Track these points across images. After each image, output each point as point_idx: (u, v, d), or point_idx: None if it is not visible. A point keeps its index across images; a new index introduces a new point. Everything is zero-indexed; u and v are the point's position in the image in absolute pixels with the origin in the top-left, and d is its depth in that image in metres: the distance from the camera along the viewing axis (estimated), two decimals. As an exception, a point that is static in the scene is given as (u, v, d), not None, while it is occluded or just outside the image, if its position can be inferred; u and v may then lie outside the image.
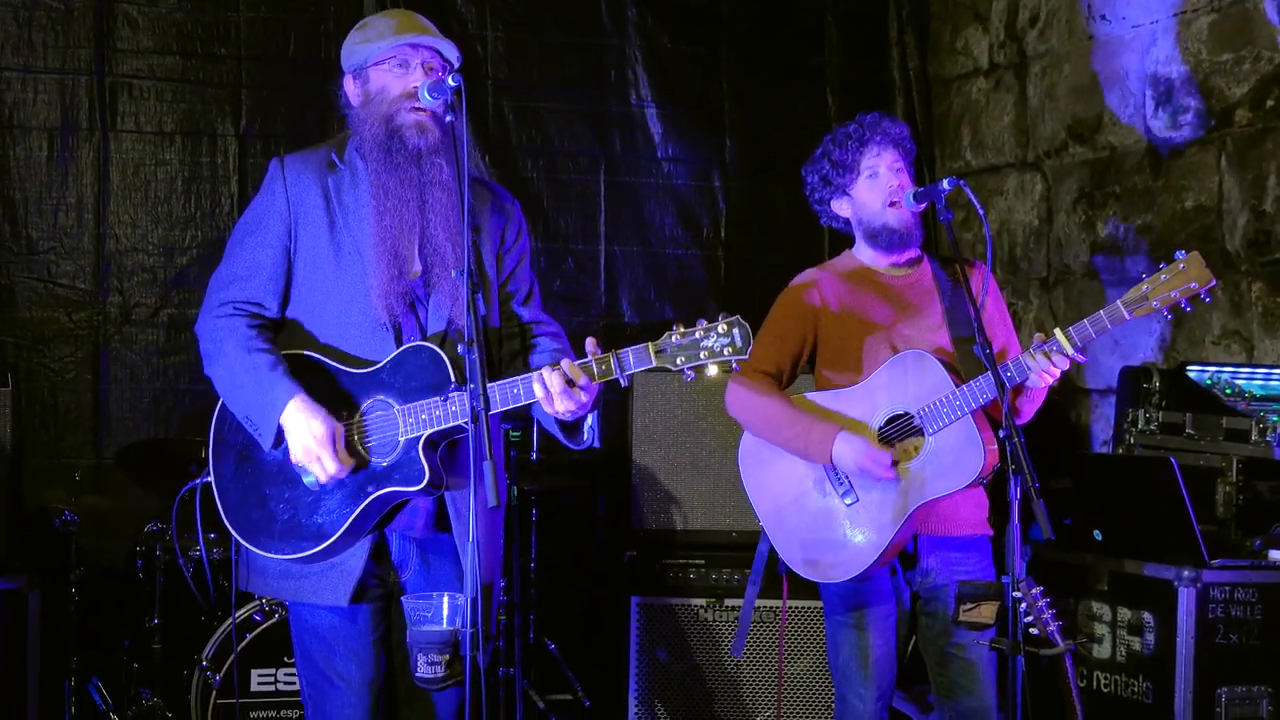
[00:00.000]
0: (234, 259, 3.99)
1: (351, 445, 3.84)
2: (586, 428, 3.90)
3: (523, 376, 3.74)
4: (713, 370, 3.64)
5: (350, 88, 4.02)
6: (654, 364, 3.65)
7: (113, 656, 6.04)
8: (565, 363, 3.69)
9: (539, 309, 4.18)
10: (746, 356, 3.63)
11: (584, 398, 3.70)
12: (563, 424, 3.86)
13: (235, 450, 3.95)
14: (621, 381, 3.70)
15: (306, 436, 3.78)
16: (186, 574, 5.62)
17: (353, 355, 3.91)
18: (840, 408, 4.52)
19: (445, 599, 3.60)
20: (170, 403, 6.56)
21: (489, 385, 3.63)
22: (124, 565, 6.05)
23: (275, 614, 5.56)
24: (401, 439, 3.80)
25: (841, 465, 4.42)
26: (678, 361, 3.63)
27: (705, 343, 3.63)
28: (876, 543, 4.40)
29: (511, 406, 3.75)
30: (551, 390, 3.67)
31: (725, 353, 3.62)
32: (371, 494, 3.80)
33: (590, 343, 3.73)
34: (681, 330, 3.65)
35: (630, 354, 3.67)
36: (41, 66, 6.45)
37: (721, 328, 3.63)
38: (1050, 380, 4.22)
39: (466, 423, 3.63)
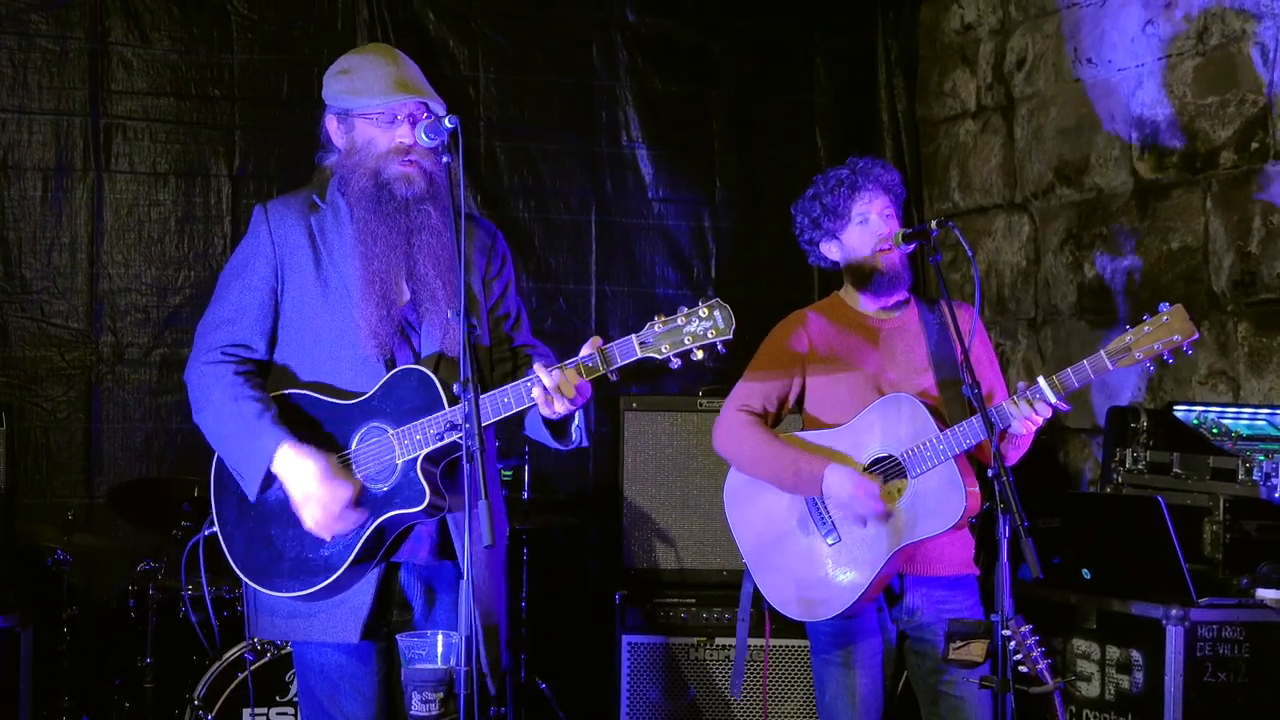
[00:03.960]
0: (221, 303, 4.01)
1: (348, 472, 3.84)
2: (574, 427, 3.92)
3: (512, 385, 3.78)
4: (698, 355, 3.65)
5: (333, 127, 4.04)
6: (639, 354, 3.68)
7: (104, 696, 6.03)
8: (556, 367, 3.73)
9: (528, 333, 4.22)
10: (730, 337, 3.65)
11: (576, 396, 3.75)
12: (550, 425, 3.89)
13: (235, 496, 3.96)
14: (610, 376, 3.73)
15: (304, 480, 3.79)
16: (196, 629, 5.60)
17: (346, 390, 3.92)
18: (826, 448, 4.54)
19: (440, 637, 3.62)
20: (162, 442, 6.57)
21: (480, 396, 3.67)
22: (116, 604, 6.04)
23: (267, 653, 5.56)
24: (399, 462, 3.82)
25: (831, 495, 4.44)
26: (663, 349, 3.66)
27: (688, 328, 3.65)
28: (858, 583, 4.42)
29: (504, 415, 3.78)
30: (550, 387, 3.70)
31: (709, 335, 3.65)
32: (375, 520, 3.82)
33: (592, 343, 3.76)
34: (663, 319, 3.68)
35: (615, 348, 3.71)
36: (36, 107, 6.49)
37: (703, 311, 3.66)
38: (1033, 427, 4.24)
39: (461, 439, 3.67)
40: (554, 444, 3.96)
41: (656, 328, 3.67)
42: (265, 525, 3.92)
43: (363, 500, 3.84)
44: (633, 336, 3.69)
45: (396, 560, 3.96)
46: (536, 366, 3.74)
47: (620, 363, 3.71)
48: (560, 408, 3.74)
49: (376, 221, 3.91)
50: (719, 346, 3.66)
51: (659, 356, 3.67)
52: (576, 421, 3.91)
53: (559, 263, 7.22)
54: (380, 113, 3.93)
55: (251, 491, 3.87)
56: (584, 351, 3.74)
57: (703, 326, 3.65)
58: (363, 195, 3.92)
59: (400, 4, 6.98)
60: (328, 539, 3.82)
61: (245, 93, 6.78)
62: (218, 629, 5.60)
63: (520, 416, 3.93)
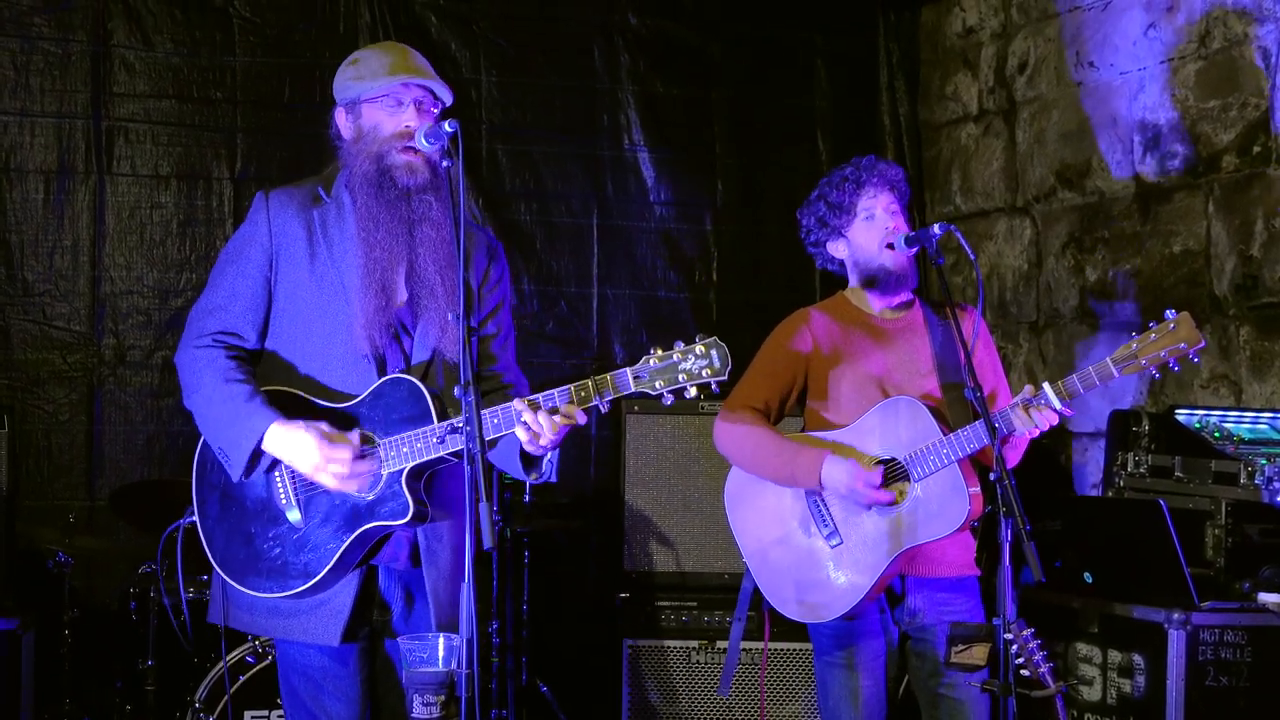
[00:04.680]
0: (214, 289, 4.00)
1: (343, 433, 3.80)
2: (546, 462, 3.89)
3: (503, 406, 3.74)
4: (692, 392, 3.64)
5: (342, 120, 4.04)
6: (632, 389, 3.66)
7: (105, 698, 6.02)
8: (545, 404, 3.70)
9: (512, 358, 4.19)
10: (725, 378, 3.64)
11: (549, 431, 3.71)
12: (523, 456, 3.87)
13: (218, 490, 3.95)
14: (601, 408, 3.71)
15: (304, 449, 3.76)
16: (169, 614, 5.58)
17: (333, 389, 3.91)
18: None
19: (441, 640, 3.62)
20: (164, 444, 6.57)
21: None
22: (117, 607, 6.04)
23: (269, 655, 5.55)
24: (385, 472, 3.81)
25: (831, 486, 4.43)
26: (656, 385, 3.65)
27: (683, 365, 3.64)
28: (860, 585, 4.42)
29: (493, 436, 3.76)
30: (536, 430, 3.68)
31: (704, 374, 3.64)
32: (357, 529, 3.81)
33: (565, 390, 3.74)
34: (659, 354, 3.67)
35: (608, 380, 3.68)
36: (39, 110, 6.49)
37: (699, 349, 3.65)
38: (1038, 432, 4.24)
39: (449, 454, 3.69)
40: (522, 475, 3.92)
41: (652, 363, 3.66)
42: (246, 522, 3.91)
43: (345, 509, 3.83)
44: (627, 370, 3.67)
45: (376, 563, 3.95)
46: (519, 401, 3.70)
47: (613, 395, 3.68)
48: (545, 440, 3.71)
49: (379, 208, 3.89)
50: (713, 386, 3.65)
51: (652, 393, 3.65)
52: (549, 455, 3.88)
53: (561, 266, 7.22)
54: (385, 95, 3.94)
55: (235, 473, 3.84)
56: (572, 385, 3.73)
57: (698, 365, 3.64)
58: (365, 181, 3.91)
59: (402, 7, 6.99)
60: (354, 489, 3.80)
61: (247, 96, 6.78)
62: (191, 622, 5.56)
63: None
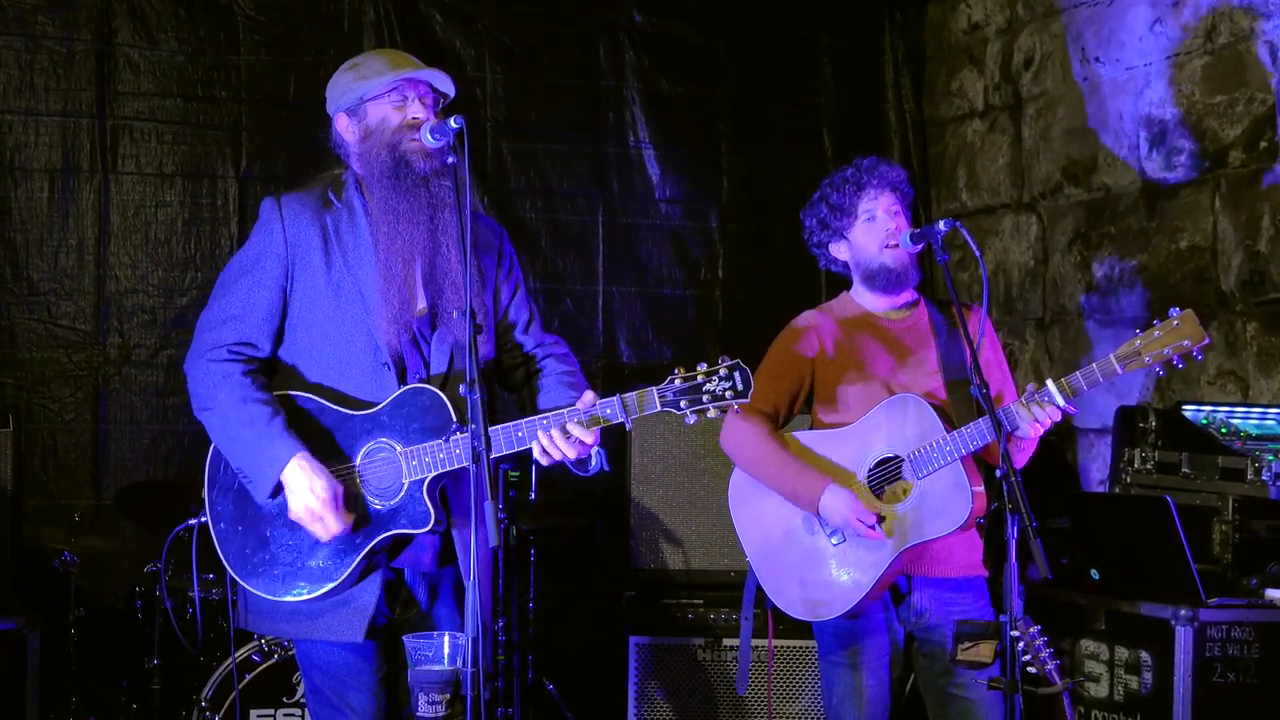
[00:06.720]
0: (227, 298, 3.95)
1: (352, 499, 3.83)
2: (594, 455, 3.91)
3: (526, 420, 3.77)
4: (713, 413, 3.72)
5: (344, 125, 4.02)
6: (659, 408, 3.72)
7: (111, 697, 6.02)
8: (571, 421, 3.75)
9: (540, 331, 4.22)
10: (747, 399, 3.70)
11: (589, 440, 3.77)
12: None
13: (233, 493, 3.93)
14: (626, 425, 3.77)
15: (309, 497, 3.77)
16: (171, 617, 5.56)
17: (352, 396, 3.89)
18: (831, 449, 4.54)
19: (446, 639, 3.62)
20: (169, 443, 6.57)
21: (493, 429, 3.67)
22: (123, 606, 6.04)
23: (274, 654, 5.55)
24: (405, 482, 3.81)
25: (828, 517, 4.45)
26: (681, 405, 3.71)
27: (707, 386, 3.71)
28: (863, 583, 4.42)
29: (516, 450, 3.78)
30: (551, 450, 3.75)
31: (726, 395, 3.70)
32: (376, 536, 3.81)
33: (589, 396, 3.80)
34: (683, 374, 3.72)
35: (633, 400, 3.73)
36: (43, 109, 6.49)
37: (722, 371, 3.71)
38: (1041, 429, 4.24)
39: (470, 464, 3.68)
40: (574, 470, 3.95)
41: (677, 383, 3.72)
42: (262, 526, 3.89)
43: (364, 515, 3.84)
44: (653, 390, 3.73)
45: (399, 566, 3.95)
46: (540, 434, 3.76)
47: (638, 414, 3.75)
48: (559, 456, 3.77)
49: (397, 198, 3.88)
50: (735, 407, 3.74)
51: (676, 411, 3.73)
52: (594, 449, 3.89)
53: (566, 264, 7.21)
54: (392, 90, 3.94)
55: (261, 495, 3.84)
56: (587, 399, 3.78)
57: (721, 386, 3.71)
58: (383, 172, 3.89)
59: (407, 6, 6.98)
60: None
61: (252, 94, 6.77)
62: (201, 631, 5.56)
63: None
